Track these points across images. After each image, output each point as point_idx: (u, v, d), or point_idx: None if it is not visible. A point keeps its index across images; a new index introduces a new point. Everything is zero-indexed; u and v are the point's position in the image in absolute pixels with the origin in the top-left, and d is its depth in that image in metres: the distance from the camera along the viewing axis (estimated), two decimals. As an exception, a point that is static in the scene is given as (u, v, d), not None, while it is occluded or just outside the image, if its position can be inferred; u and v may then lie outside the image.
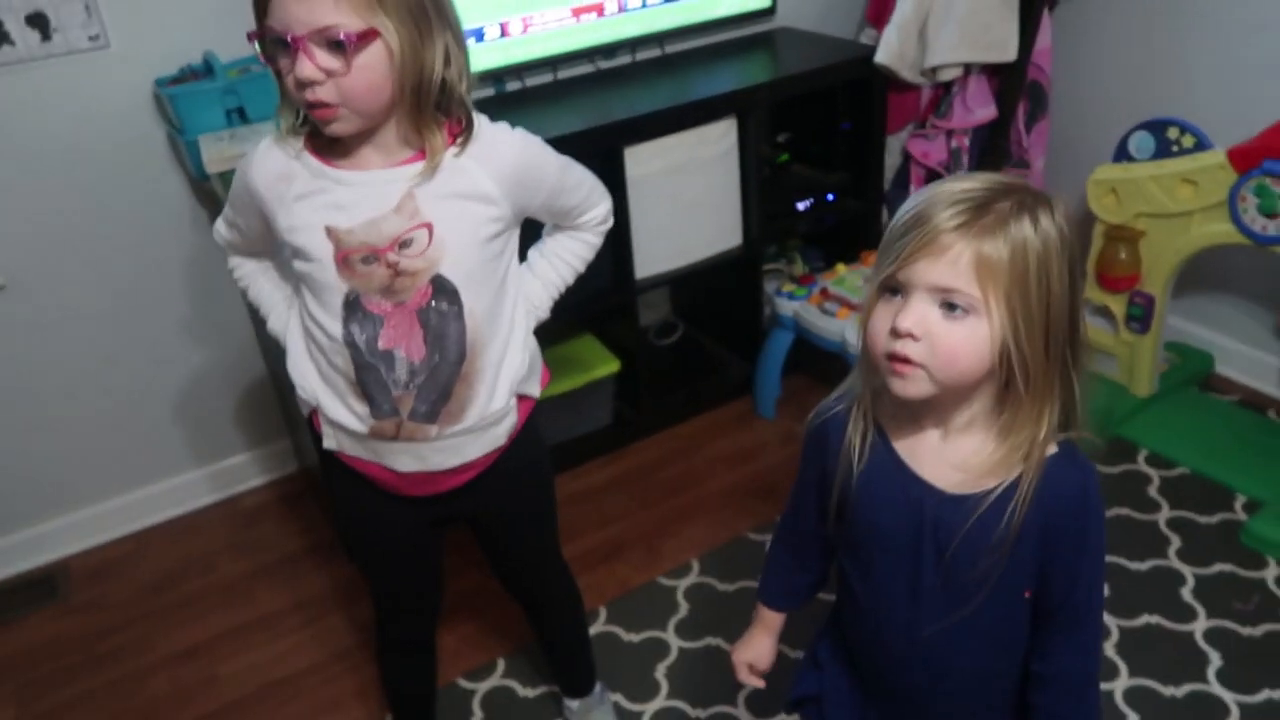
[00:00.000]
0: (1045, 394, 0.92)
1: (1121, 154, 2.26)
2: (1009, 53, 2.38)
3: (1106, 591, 1.89)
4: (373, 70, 1.05)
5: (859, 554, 1.06)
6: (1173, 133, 2.15)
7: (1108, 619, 1.86)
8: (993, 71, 2.47)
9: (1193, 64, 2.35)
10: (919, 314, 0.89)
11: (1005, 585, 0.97)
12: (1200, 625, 1.84)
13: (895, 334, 0.90)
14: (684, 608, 1.98)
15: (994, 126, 2.52)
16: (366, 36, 1.03)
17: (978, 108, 2.48)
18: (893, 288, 0.91)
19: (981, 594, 0.97)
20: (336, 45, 1.02)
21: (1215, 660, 1.77)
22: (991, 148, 2.55)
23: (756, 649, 1.24)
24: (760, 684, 1.24)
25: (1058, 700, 1.02)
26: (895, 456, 1.00)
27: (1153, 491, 2.16)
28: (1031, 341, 0.89)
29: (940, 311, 0.89)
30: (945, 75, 2.44)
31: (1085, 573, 0.98)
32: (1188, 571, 1.95)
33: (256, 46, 1.07)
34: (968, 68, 2.44)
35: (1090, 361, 0.96)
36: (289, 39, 1.02)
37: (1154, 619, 1.85)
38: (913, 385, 0.91)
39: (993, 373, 0.92)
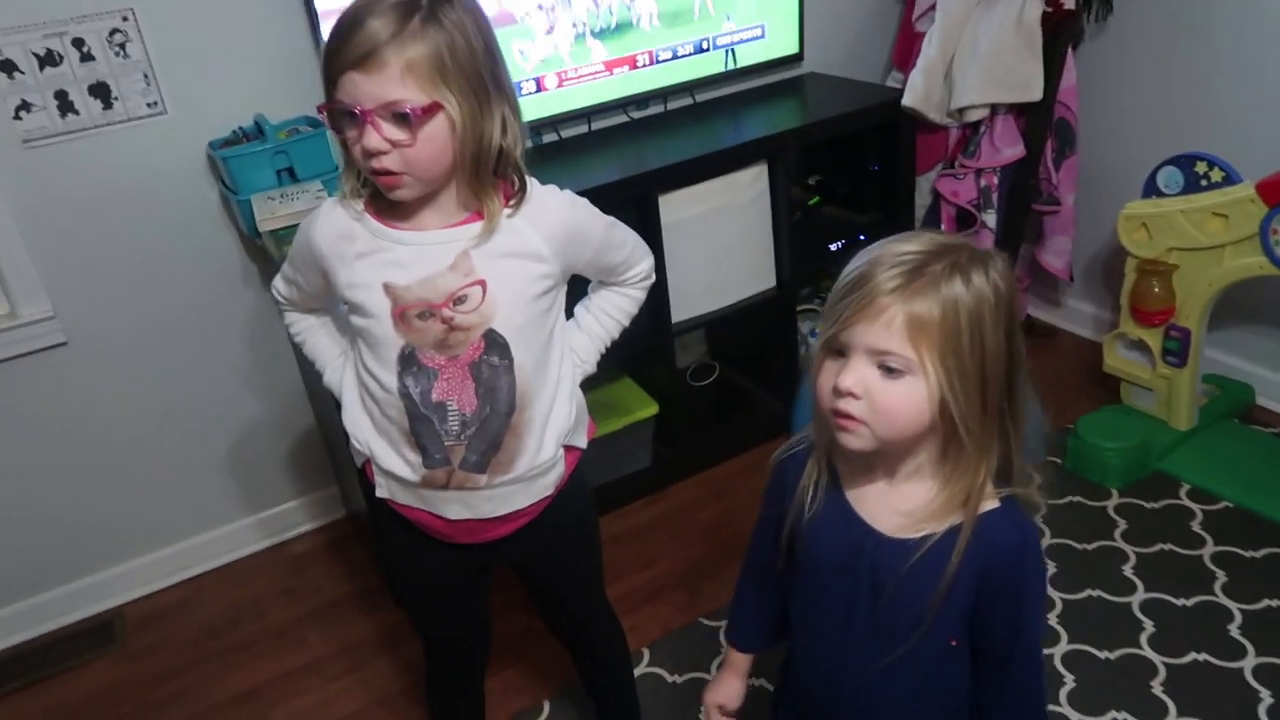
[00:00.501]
0: (984, 445, 0.97)
1: (1151, 189, 2.28)
2: (1034, 92, 2.42)
3: (1152, 628, 1.89)
4: (435, 140, 1.11)
5: (802, 593, 1.11)
6: (1201, 167, 2.17)
7: (1155, 657, 1.85)
8: (1019, 110, 2.51)
9: (1219, 98, 2.37)
10: (858, 374, 0.94)
11: (935, 633, 1.01)
12: (1249, 663, 1.82)
13: (837, 393, 0.95)
14: (727, 648, 1.99)
15: (1023, 164, 2.54)
16: (430, 110, 1.09)
17: (1005, 147, 2.51)
18: (836, 349, 0.96)
19: (912, 639, 1.01)
20: (402, 118, 1.08)
21: (1266, 698, 1.75)
22: (1021, 186, 2.58)
23: (726, 690, 1.27)
24: None
25: None
26: (844, 500, 1.04)
27: (1196, 527, 2.15)
28: (968, 396, 0.93)
29: (879, 372, 0.94)
30: (972, 116, 2.48)
31: (1027, 627, 1.02)
32: (1235, 608, 1.93)
33: (325, 117, 1.14)
34: (994, 108, 2.47)
35: (1026, 414, 0.99)
36: (357, 112, 1.09)
37: (1201, 656, 1.84)
38: (856, 440, 0.96)
39: (935, 426, 0.96)
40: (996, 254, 0.97)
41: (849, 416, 0.95)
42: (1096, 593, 2.00)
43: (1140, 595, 1.99)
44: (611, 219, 1.33)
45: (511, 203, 1.20)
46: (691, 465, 2.53)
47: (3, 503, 2.15)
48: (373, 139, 1.09)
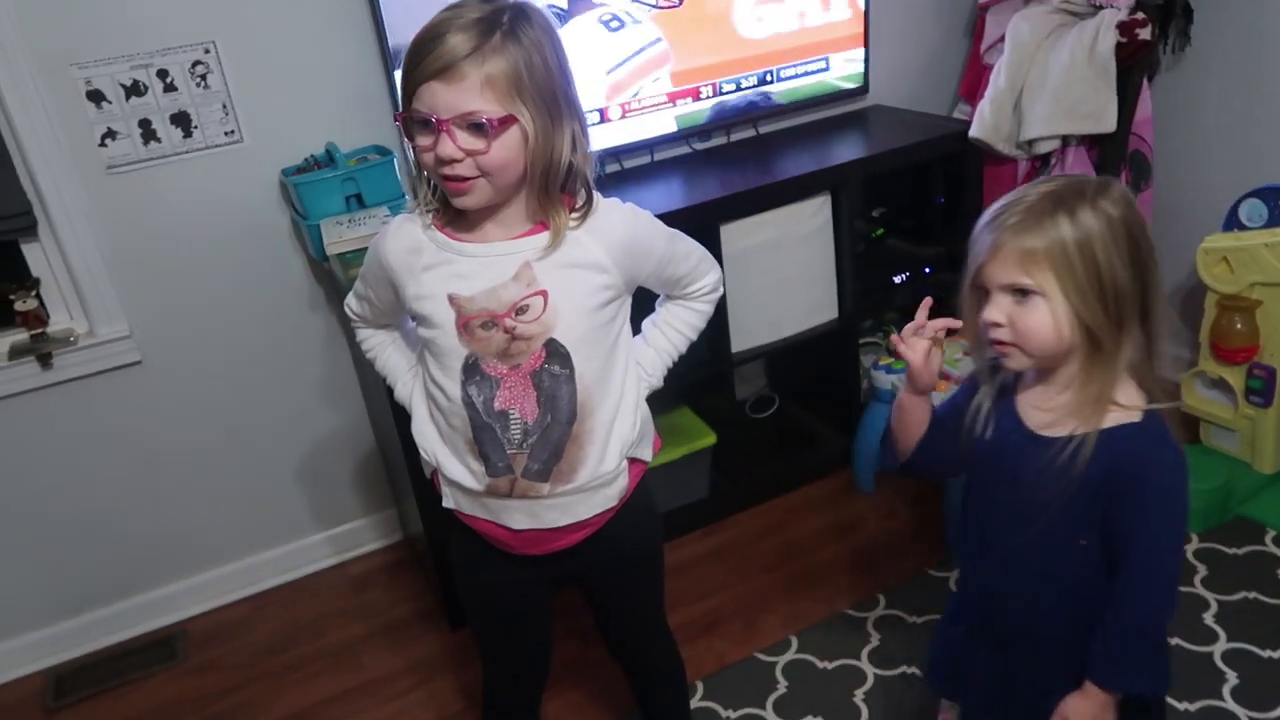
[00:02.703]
0: (1115, 353, 1.10)
1: (1232, 222, 2.20)
2: (1107, 123, 2.36)
3: (1235, 679, 1.80)
4: (508, 151, 1.14)
5: (969, 474, 1.28)
6: (1286, 200, 2.09)
7: (1239, 710, 1.75)
8: (1092, 142, 2.45)
9: (1304, 130, 2.29)
10: (998, 306, 1.12)
11: (1062, 525, 1.14)
12: (1341, 719, 1.72)
13: (986, 325, 1.12)
14: (782, 685, 1.94)
15: (1095, 197, 2.48)
16: (505, 122, 1.12)
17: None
18: (981, 288, 1.14)
19: (1038, 525, 1.15)
20: (477, 128, 1.12)
21: (1360, 758, 1.65)
22: (1093, 218, 2.51)
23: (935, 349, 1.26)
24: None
25: (1108, 644, 1.14)
26: (1012, 401, 1.20)
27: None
28: (1091, 311, 1.08)
29: (1013, 300, 1.10)
30: (1042, 148, 2.43)
31: (1139, 543, 1.11)
32: (1325, 660, 1.83)
33: (400, 126, 1.18)
34: (1065, 139, 2.42)
35: (1165, 323, 1.13)
36: (434, 120, 1.12)
37: (1289, 711, 1.74)
38: (1012, 361, 1.14)
39: (1076, 341, 1.10)
40: (1112, 184, 1.11)
41: (1001, 343, 1.12)
42: (1175, 641, 1.91)
43: (1222, 645, 1.89)
44: (675, 231, 1.34)
45: (575, 216, 1.22)
46: (749, 498, 2.50)
47: (75, 516, 2.22)
48: (447, 147, 1.12)
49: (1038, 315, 1.09)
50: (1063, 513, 1.13)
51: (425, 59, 1.11)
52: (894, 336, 1.30)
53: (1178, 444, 1.12)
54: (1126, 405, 1.12)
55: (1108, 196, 1.08)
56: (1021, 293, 1.09)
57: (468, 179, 1.14)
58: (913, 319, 1.27)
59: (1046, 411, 1.16)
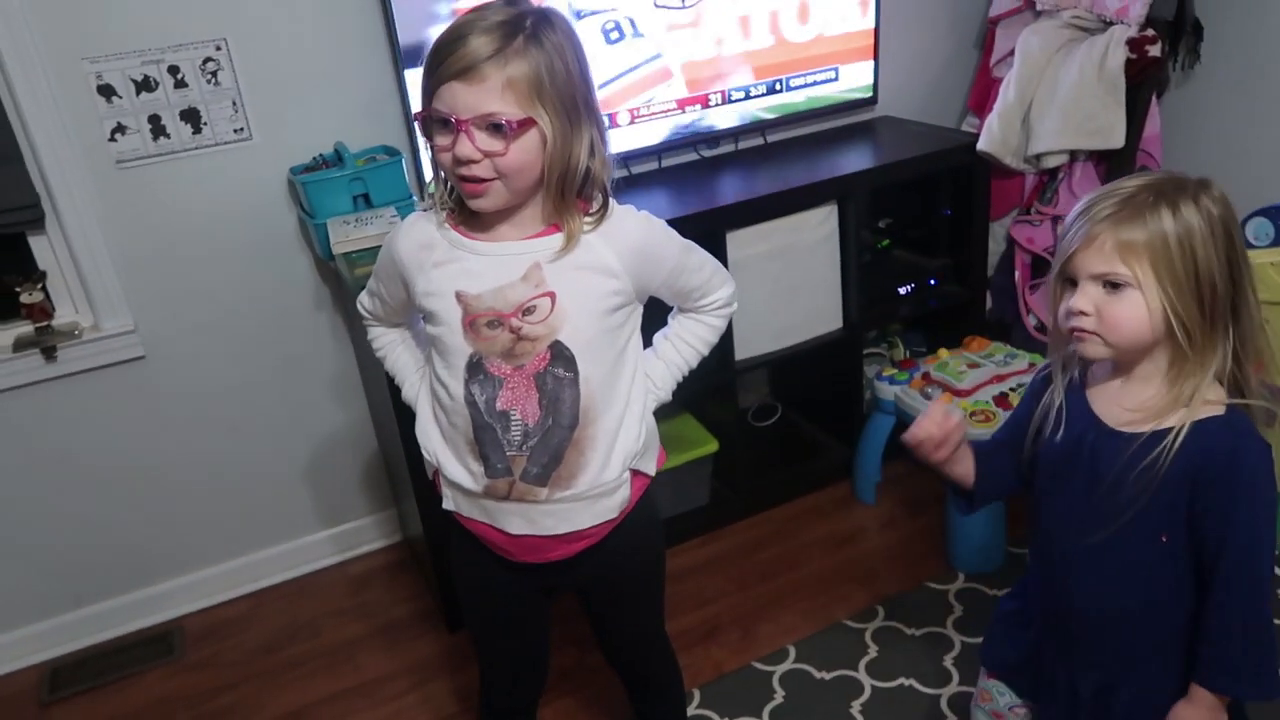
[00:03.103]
0: (1208, 351, 1.10)
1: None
2: (1115, 139, 2.36)
3: None
4: (526, 154, 1.14)
5: (1039, 474, 1.26)
6: (1293, 219, 2.09)
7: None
8: (1100, 158, 2.45)
9: (1313, 149, 2.29)
10: (1087, 295, 1.11)
11: (1144, 523, 1.13)
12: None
13: (1070, 313, 1.12)
14: (780, 695, 1.94)
15: (1102, 212, 2.48)
16: (525, 125, 1.13)
17: (1085, 194, 2.45)
18: (1069, 278, 1.14)
19: (1119, 521, 1.14)
20: (496, 129, 1.12)
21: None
22: (1100, 233, 2.51)
23: (957, 428, 1.27)
24: (939, 439, 1.26)
25: (1213, 646, 1.14)
26: (1083, 397, 1.20)
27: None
28: (1186, 307, 1.08)
29: (1103, 290, 1.10)
30: (1050, 162, 2.43)
31: (1232, 537, 1.10)
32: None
33: (420, 124, 1.18)
34: (1074, 154, 2.42)
35: (1260, 324, 1.12)
36: (453, 120, 1.12)
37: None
38: (1091, 349, 1.13)
39: (1161, 335, 1.10)
40: (1211, 183, 1.11)
41: (1083, 330, 1.12)
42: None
43: None
44: (689, 243, 1.33)
45: (590, 220, 1.22)
46: (750, 506, 2.49)
47: (74, 509, 2.22)
48: (465, 147, 1.12)
49: (1130, 307, 1.09)
50: (1144, 509, 1.13)
51: (447, 59, 1.11)
52: (915, 440, 1.29)
53: (1262, 437, 1.11)
54: (1211, 400, 1.11)
55: (1209, 194, 1.09)
56: (1113, 284, 1.09)
57: (484, 180, 1.15)
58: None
59: (1130, 410, 1.15)
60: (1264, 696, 1.15)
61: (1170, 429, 1.10)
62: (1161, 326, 1.09)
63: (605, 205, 1.23)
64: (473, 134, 1.12)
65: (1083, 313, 1.11)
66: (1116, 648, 1.22)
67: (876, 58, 2.51)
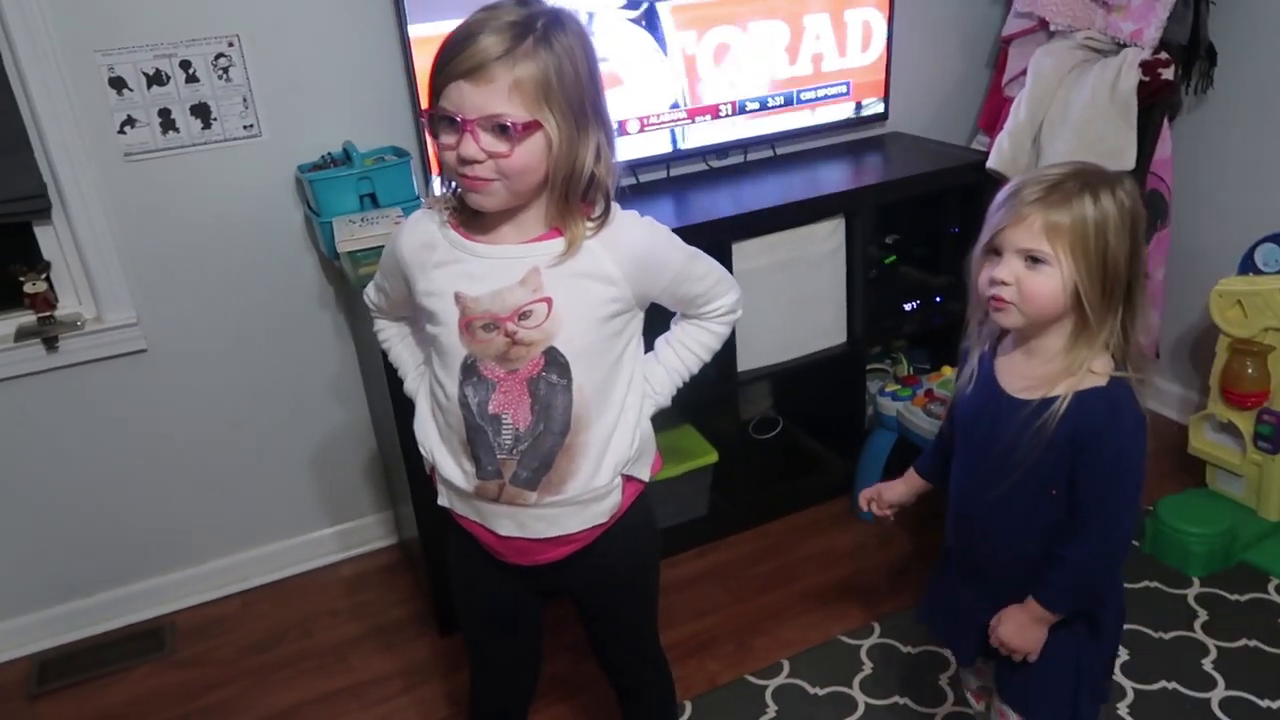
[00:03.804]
0: (1102, 326, 1.22)
1: (1247, 266, 2.19)
2: (1126, 161, 2.35)
3: (1232, 726, 1.78)
4: (530, 156, 1.14)
5: (956, 437, 1.39)
6: (1304, 246, 2.08)
7: (1234, 758, 1.73)
8: (1109, 180, 2.44)
9: (1324, 177, 2.28)
10: (1010, 267, 1.22)
11: (1037, 478, 1.26)
12: (1340, 774, 1.69)
13: (992, 282, 1.23)
14: (772, 709, 1.92)
15: (1110, 234, 2.47)
16: (530, 127, 1.12)
17: (1092, 215, 2.44)
18: (993, 250, 1.24)
19: (1013, 477, 1.27)
20: (502, 130, 1.11)
21: (1358, 815, 1.61)
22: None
23: (893, 488, 1.57)
24: (882, 512, 1.57)
25: (1054, 572, 1.27)
26: (991, 368, 1.32)
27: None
28: (1093, 286, 1.19)
29: (1024, 265, 1.21)
30: (1059, 182, 2.42)
31: (1099, 493, 1.23)
32: (1325, 713, 1.80)
33: (426, 122, 1.17)
34: (1083, 175, 2.42)
35: (1145, 309, 1.25)
36: (459, 119, 1.11)
37: (1287, 763, 1.71)
38: (1007, 318, 1.24)
39: (1067, 311, 1.22)
40: (1126, 177, 1.22)
41: (1001, 300, 1.22)
42: (1172, 685, 1.88)
43: (1220, 692, 1.86)
44: (695, 250, 1.32)
45: (591, 225, 1.21)
46: (748, 518, 2.48)
47: (70, 501, 2.21)
48: (470, 147, 1.12)
49: (1047, 281, 1.20)
50: (1036, 466, 1.25)
51: (456, 58, 1.10)
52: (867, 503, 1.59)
53: (1139, 409, 1.23)
54: (1097, 372, 1.23)
55: (1124, 187, 1.21)
56: (1034, 260, 1.20)
57: (487, 180, 1.14)
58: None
59: (1025, 378, 1.27)
60: (1080, 609, 1.30)
61: (1057, 396, 1.22)
62: (1069, 301, 1.21)
63: (607, 211, 1.22)
64: (478, 134, 1.11)
65: (1004, 282, 1.21)
66: (1021, 585, 1.31)
67: (889, 74, 2.51)
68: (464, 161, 1.13)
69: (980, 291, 1.27)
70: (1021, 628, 1.30)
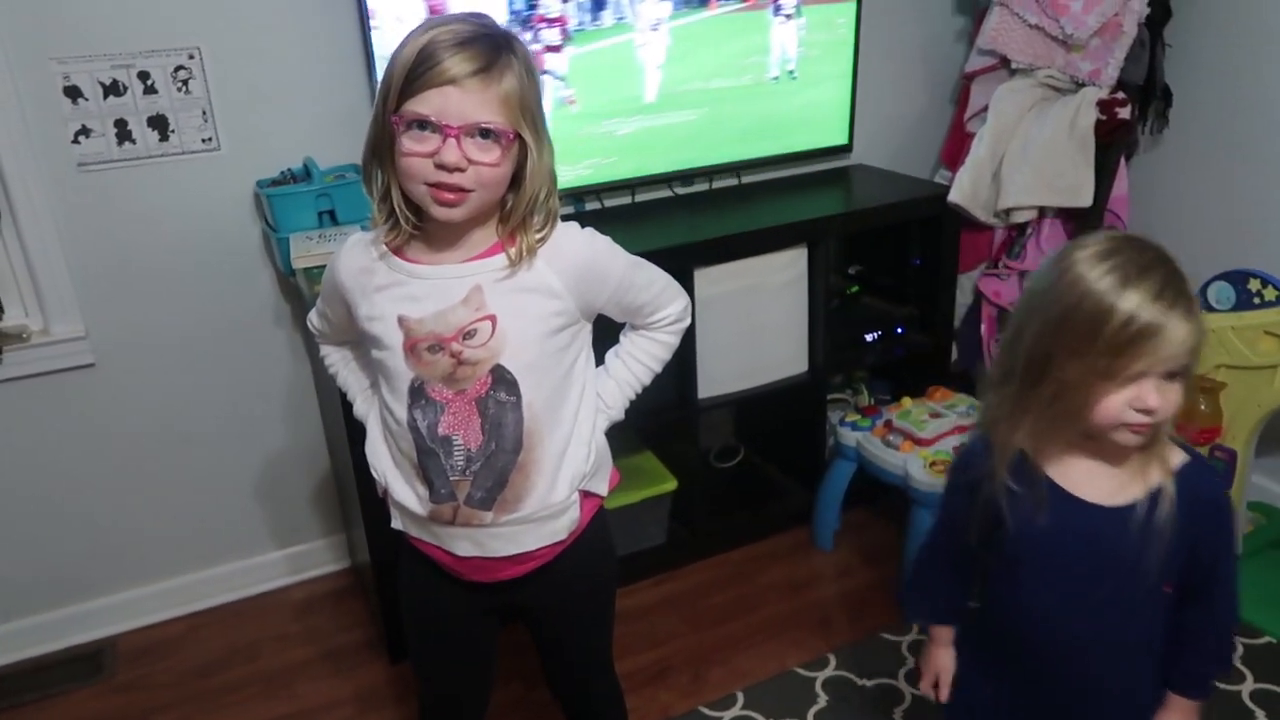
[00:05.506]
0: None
1: (1200, 304, 2.22)
2: (1084, 198, 2.39)
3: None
4: (508, 168, 1.15)
5: (1012, 562, 1.23)
6: (1254, 284, 2.12)
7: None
8: (1068, 215, 2.48)
9: (1273, 215, 2.33)
10: (1163, 393, 1.08)
11: (1150, 577, 1.16)
12: (1289, 812, 1.69)
13: (1136, 410, 1.08)
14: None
15: (1068, 270, 2.50)
16: (513, 139, 1.13)
17: (1052, 250, 2.48)
18: (1126, 378, 1.08)
19: (1146, 585, 1.17)
20: (486, 139, 1.11)
21: None
22: (1065, 291, 2.53)
23: (943, 659, 1.39)
24: (945, 696, 1.39)
25: (1199, 662, 1.22)
26: (1045, 478, 1.18)
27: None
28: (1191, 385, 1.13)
29: (1165, 383, 1.09)
30: (1019, 217, 2.45)
31: (1222, 550, 1.18)
32: (1274, 750, 1.81)
33: (399, 127, 1.11)
34: (1042, 211, 2.45)
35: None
36: (441, 126, 1.09)
37: (1236, 800, 1.71)
38: (1141, 439, 1.12)
39: None
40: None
41: (1145, 425, 1.10)
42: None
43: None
44: (637, 259, 1.31)
45: (539, 237, 1.20)
46: (707, 547, 2.46)
47: (7, 518, 2.14)
48: (453, 154, 1.10)
49: (1179, 392, 1.10)
50: (1154, 565, 1.16)
51: (438, 65, 1.08)
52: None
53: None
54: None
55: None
56: (1171, 375, 1.08)
57: (464, 191, 1.12)
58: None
59: (1109, 479, 1.17)
60: (1212, 693, 1.25)
61: (1158, 485, 1.14)
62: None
63: (549, 224, 1.22)
64: (463, 142, 1.10)
65: (1152, 410, 1.08)
66: (1115, 690, 1.25)
67: (853, 106, 2.53)
68: (442, 169, 1.10)
69: (1110, 418, 1.10)
70: None
